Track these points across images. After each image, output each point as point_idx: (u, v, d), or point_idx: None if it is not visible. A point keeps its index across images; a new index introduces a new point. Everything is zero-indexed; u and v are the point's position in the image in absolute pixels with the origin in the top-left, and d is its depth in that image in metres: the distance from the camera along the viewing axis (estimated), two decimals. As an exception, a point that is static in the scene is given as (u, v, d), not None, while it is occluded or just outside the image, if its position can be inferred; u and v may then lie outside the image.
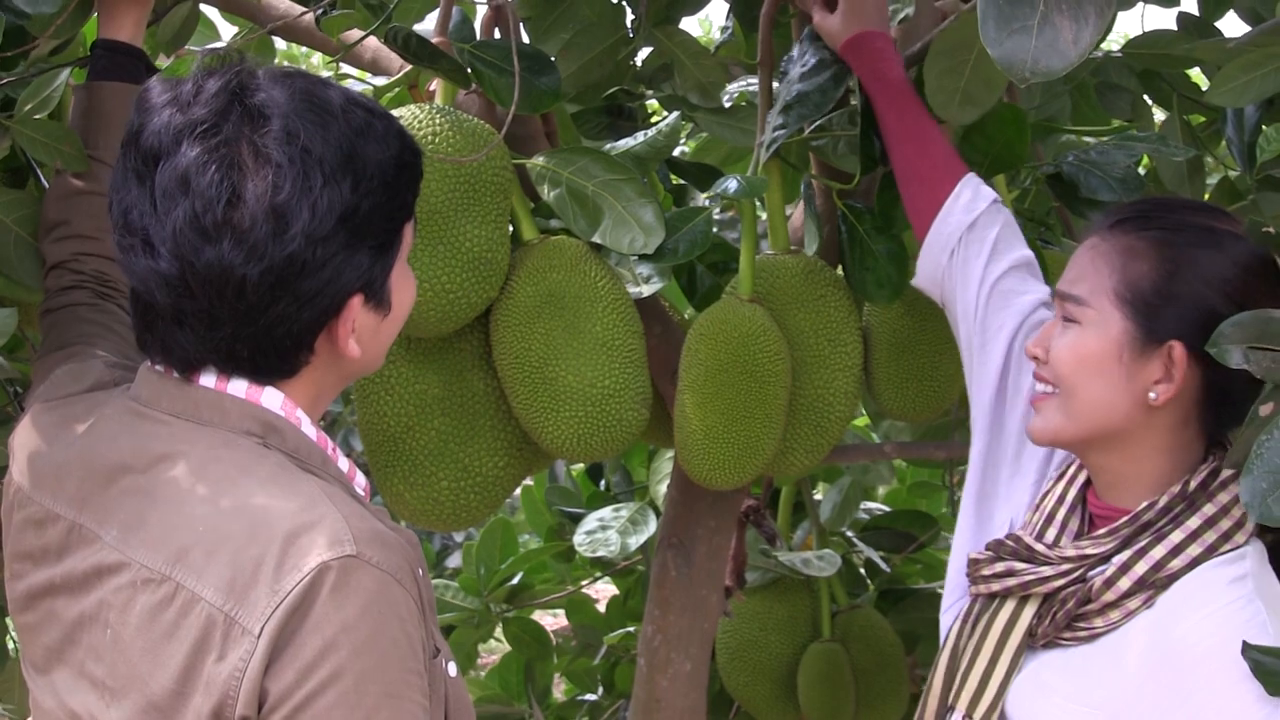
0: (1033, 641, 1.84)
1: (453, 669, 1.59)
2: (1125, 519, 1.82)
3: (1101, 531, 1.84)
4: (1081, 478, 1.92)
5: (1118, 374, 1.82)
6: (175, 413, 1.57)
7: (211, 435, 1.55)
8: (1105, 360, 1.83)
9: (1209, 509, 1.78)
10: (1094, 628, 1.80)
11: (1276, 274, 1.82)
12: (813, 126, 2.39)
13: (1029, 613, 1.85)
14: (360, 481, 1.63)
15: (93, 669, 1.54)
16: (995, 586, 1.88)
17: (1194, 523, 1.78)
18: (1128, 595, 1.77)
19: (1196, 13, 2.90)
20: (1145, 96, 3.00)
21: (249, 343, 1.54)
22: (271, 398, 1.57)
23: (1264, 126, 2.49)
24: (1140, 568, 1.77)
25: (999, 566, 1.88)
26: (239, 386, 1.57)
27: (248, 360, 1.56)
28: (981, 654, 1.87)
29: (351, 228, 1.55)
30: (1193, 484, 1.80)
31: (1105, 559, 1.80)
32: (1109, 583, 1.78)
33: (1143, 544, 1.78)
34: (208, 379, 1.57)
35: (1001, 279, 2.08)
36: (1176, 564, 1.76)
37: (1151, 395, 1.81)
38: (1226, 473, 1.79)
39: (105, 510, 1.56)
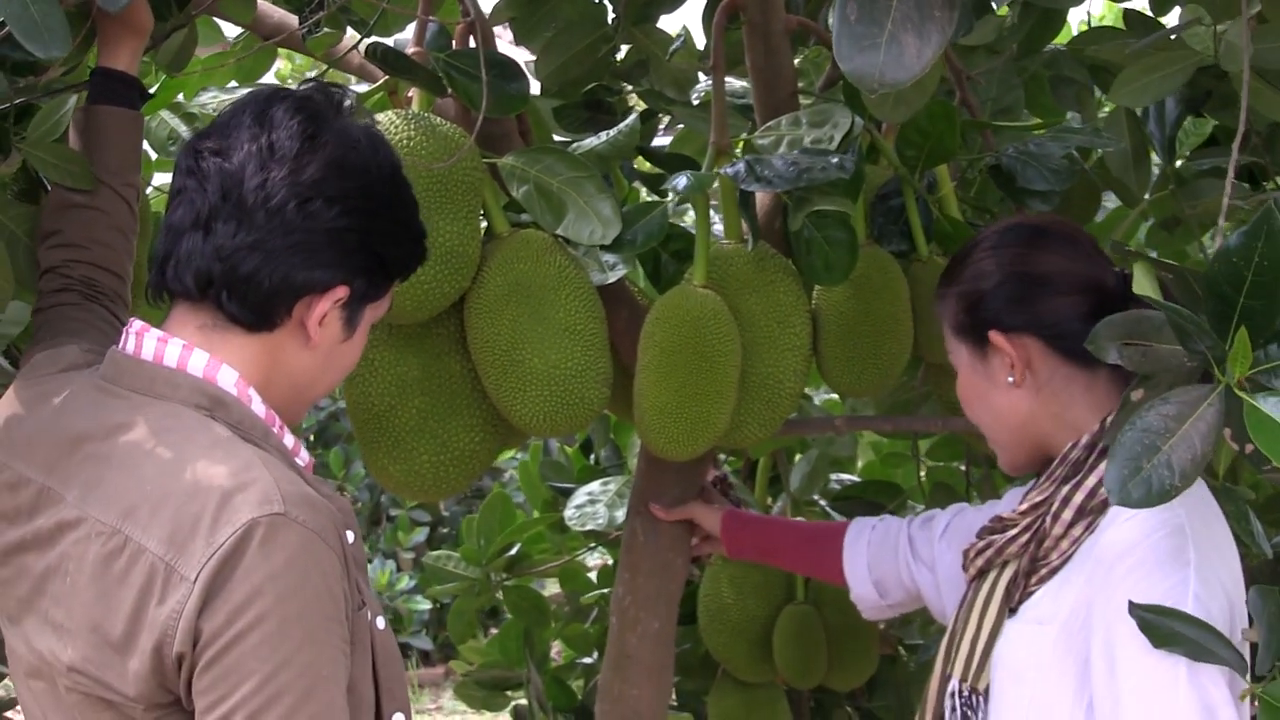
0: (1013, 605, 1.98)
1: (380, 622, 1.74)
2: (1056, 462, 1.98)
3: (1041, 480, 2.01)
4: None
5: (985, 387, 2.04)
6: (134, 389, 1.73)
7: (163, 407, 1.70)
8: (972, 384, 2.06)
9: None
10: (1051, 562, 1.94)
11: (1038, 232, 2.04)
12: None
13: (1006, 576, 2.00)
14: (304, 457, 1.77)
15: (54, 614, 1.69)
16: (980, 562, 2.04)
17: None
18: (1073, 525, 1.93)
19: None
20: (1095, 87, 3.15)
21: (250, 264, 1.69)
22: (227, 375, 1.72)
23: (1187, 119, 2.66)
24: (1078, 498, 1.92)
25: (980, 544, 2.05)
26: (199, 361, 1.72)
27: (239, 284, 1.70)
28: (970, 623, 2.02)
29: (374, 232, 1.73)
30: (1109, 419, 1.94)
31: (1052, 502, 1.96)
32: (1055, 517, 1.94)
33: (1079, 477, 1.94)
34: (173, 352, 1.72)
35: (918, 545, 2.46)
36: None
37: (1009, 379, 2.00)
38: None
39: (69, 473, 1.71)
